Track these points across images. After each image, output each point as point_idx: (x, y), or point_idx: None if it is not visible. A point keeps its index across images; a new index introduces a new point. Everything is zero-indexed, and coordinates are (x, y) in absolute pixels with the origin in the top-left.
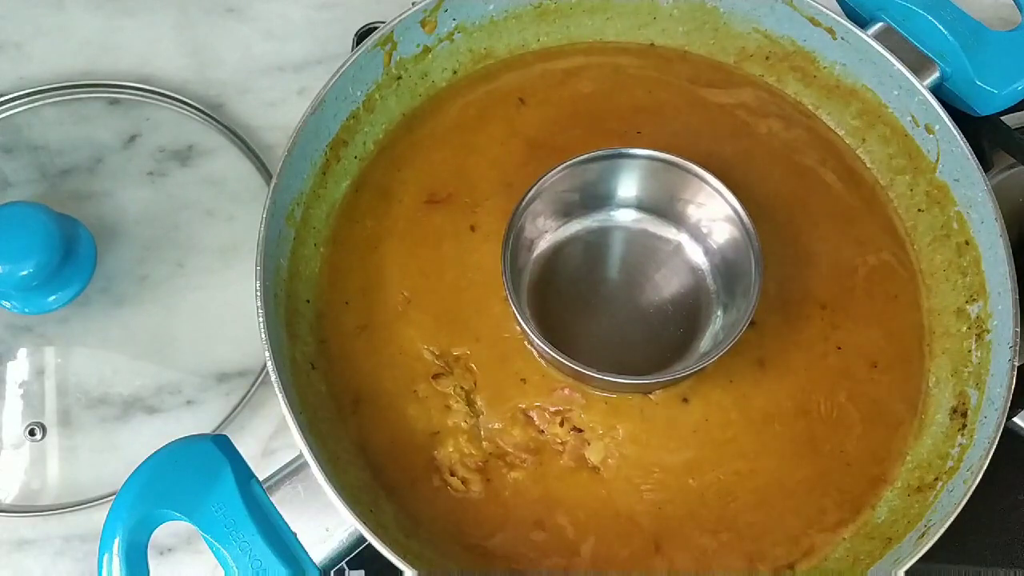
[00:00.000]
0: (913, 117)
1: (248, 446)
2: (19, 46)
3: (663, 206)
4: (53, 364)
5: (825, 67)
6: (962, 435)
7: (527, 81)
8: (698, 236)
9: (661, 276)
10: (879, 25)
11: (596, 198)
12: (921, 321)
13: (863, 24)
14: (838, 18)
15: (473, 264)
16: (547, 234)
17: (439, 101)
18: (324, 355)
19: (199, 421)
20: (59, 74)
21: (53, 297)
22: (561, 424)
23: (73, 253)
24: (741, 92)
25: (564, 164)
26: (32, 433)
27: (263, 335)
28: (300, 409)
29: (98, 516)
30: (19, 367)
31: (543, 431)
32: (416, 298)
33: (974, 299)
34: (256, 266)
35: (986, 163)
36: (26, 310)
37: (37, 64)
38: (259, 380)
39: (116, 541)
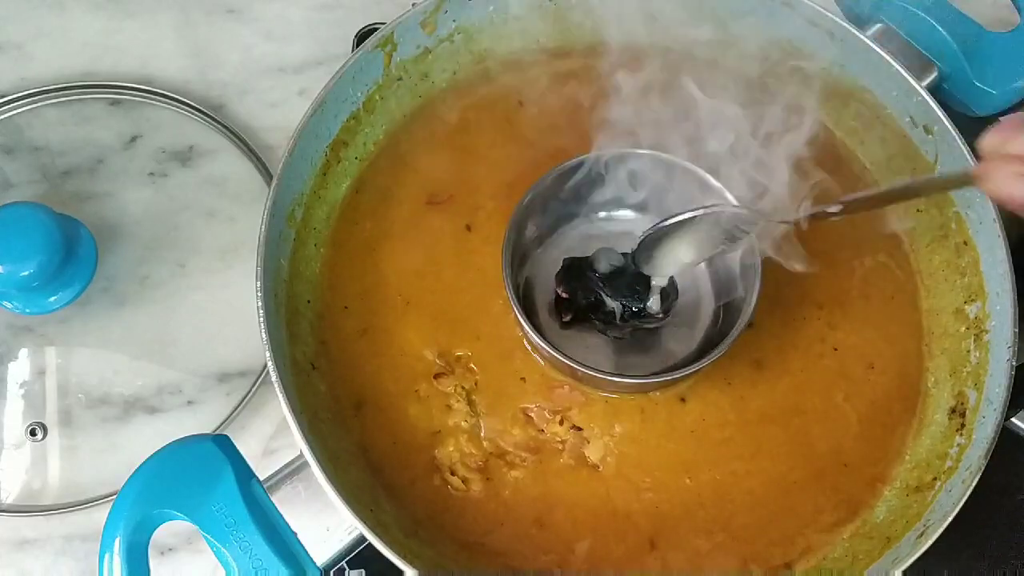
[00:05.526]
0: (912, 118)
1: (249, 446)
2: (20, 47)
3: (663, 206)
4: (54, 364)
5: (824, 68)
6: (960, 435)
7: (526, 82)
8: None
9: None
10: (878, 26)
11: (595, 199)
12: (920, 321)
13: (862, 25)
14: (837, 19)
15: (473, 265)
16: (547, 235)
17: (439, 102)
18: (325, 355)
19: (200, 421)
20: (60, 75)
21: (54, 297)
22: (561, 423)
23: (74, 254)
24: (740, 93)
25: (563, 165)
26: (33, 433)
27: (264, 335)
28: (301, 409)
29: (99, 516)
30: (20, 367)
31: (543, 430)
32: (416, 299)
33: (972, 299)
34: (257, 266)
35: None
36: (27, 310)
37: (38, 65)
38: (260, 380)
39: (117, 541)
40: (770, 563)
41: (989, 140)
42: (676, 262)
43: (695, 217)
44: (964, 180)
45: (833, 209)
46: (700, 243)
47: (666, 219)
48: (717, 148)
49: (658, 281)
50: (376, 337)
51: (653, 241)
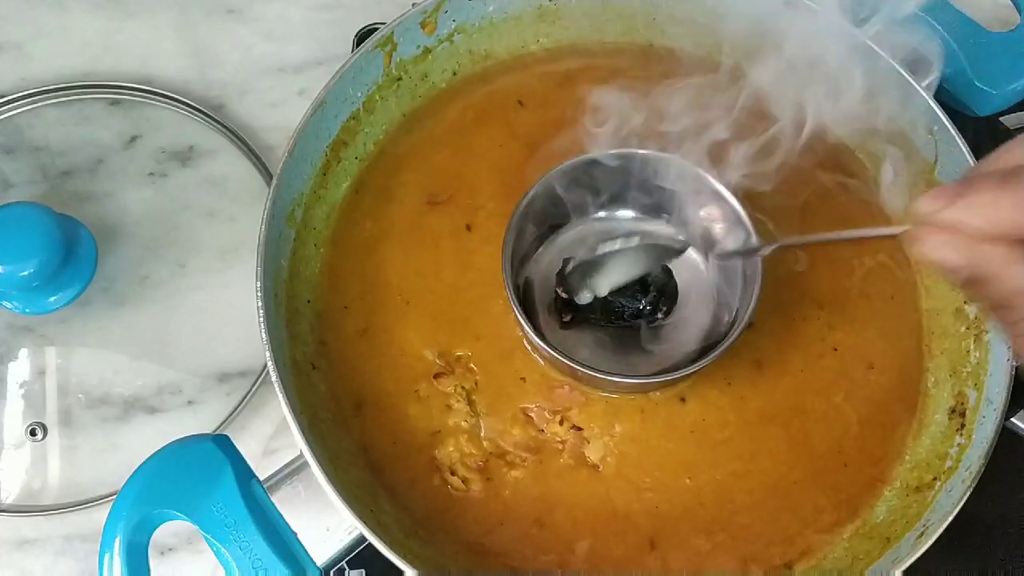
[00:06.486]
0: (912, 118)
1: (249, 446)
2: (20, 47)
3: (663, 206)
4: (54, 364)
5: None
6: (960, 435)
7: (526, 83)
8: (698, 237)
9: None
10: (878, 27)
11: (595, 200)
12: (920, 321)
13: (862, 25)
14: (836, 19)
15: (473, 265)
16: (547, 235)
17: (439, 102)
18: (325, 355)
19: (200, 421)
20: (60, 75)
21: (54, 297)
22: (561, 423)
23: (74, 254)
24: (740, 93)
25: (563, 166)
26: (33, 433)
27: (264, 336)
28: (301, 409)
29: (99, 516)
30: (20, 367)
31: (543, 430)
32: (416, 299)
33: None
34: (257, 267)
35: None
36: (27, 310)
37: (38, 65)
38: (260, 380)
39: (117, 541)
40: (770, 563)
41: (922, 206)
42: (604, 286)
43: (627, 249)
44: (894, 236)
45: (768, 250)
46: (628, 268)
47: (595, 253)
48: (715, 147)
49: (584, 298)
50: (376, 337)
51: (583, 271)
